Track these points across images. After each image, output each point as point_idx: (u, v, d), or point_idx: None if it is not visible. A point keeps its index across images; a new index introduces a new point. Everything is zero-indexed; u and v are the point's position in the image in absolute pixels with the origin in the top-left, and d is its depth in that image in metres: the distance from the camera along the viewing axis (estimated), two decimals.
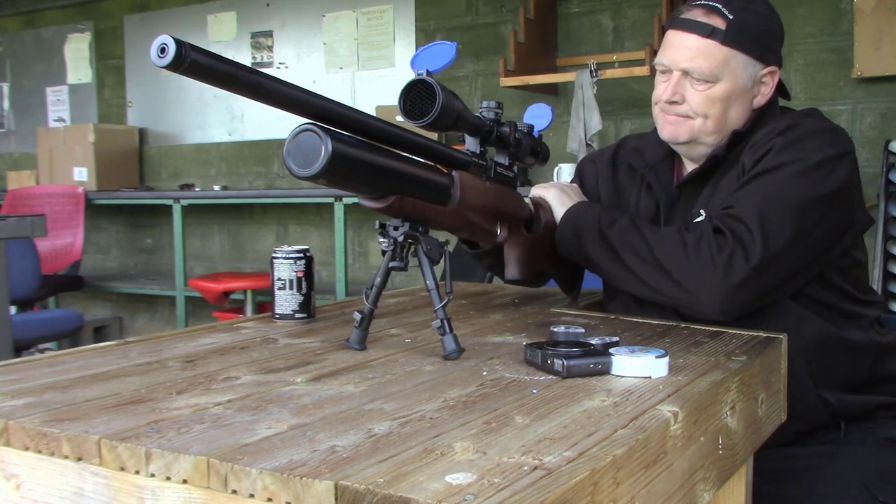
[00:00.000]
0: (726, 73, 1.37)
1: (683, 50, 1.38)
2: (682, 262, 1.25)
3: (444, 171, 1.13)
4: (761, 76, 1.41)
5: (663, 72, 1.44)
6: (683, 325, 1.28)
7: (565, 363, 0.95)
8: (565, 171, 3.54)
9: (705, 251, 1.23)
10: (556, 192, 1.47)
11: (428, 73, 1.06)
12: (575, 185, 1.60)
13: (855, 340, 1.38)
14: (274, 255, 1.34)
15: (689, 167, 1.49)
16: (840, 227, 1.33)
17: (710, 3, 1.38)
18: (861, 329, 1.40)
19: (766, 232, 1.22)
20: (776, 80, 1.43)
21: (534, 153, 1.33)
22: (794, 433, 1.36)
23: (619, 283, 1.36)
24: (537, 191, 1.49)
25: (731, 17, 1.36)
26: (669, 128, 1.44)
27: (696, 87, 1.39)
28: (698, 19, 1.38)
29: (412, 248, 1.10)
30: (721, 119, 1.40)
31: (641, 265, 1.30)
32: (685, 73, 1.39)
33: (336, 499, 0.61)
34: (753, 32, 1.38)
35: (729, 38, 1.36)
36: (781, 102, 1.50)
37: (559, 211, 1.44)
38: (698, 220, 1.39)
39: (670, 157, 1.52)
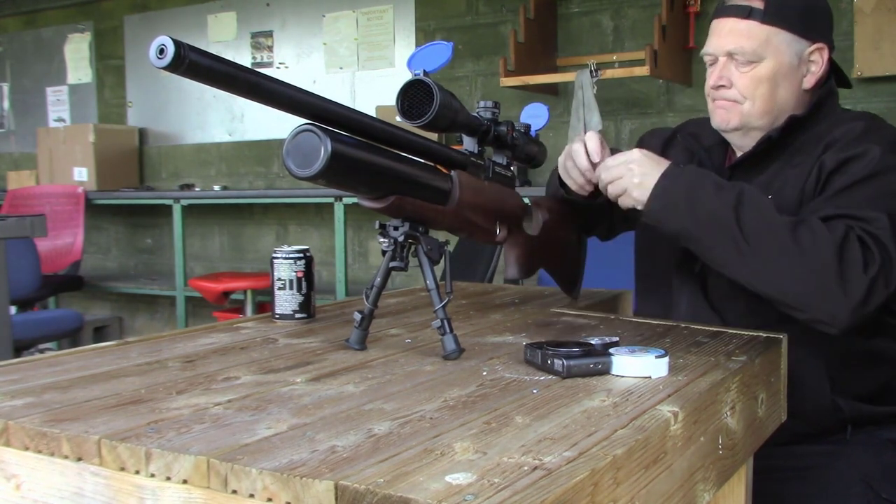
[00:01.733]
0: (769, 52, 1.36)
1: (725, 35, 1.39)
2: (824, 264, 1.18)
3: (443, 171, 1.13)
4: (808, 54, 1.39)
5: (711, 63, 1.43)
6: (683, 326, 1.28)
7: (565, 363, 0.95)
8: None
9: (854, 263, 1.18)
10: (640, 154, 1.31)
11: (425, 73, 1.06)
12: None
13: (879, 350, 1.37)
14: (274, 255, 1.34)
15: (741, 154, 1.47)
16: None
17: None
18: (887, 339, 1.39)
19: None
20: (825, 57, 1.40)
21: (532, 153, 1.33)
22: (800, 434, 1.36)
23: (727, 268, 1.25)
24: (619, 157, 1.32)
25: None
26: (720, 113, 1.43)
27: (741, 69, 1.38)
28: (737, 3, 1.38)
29: (412, 248, 1.10)
30: (770, 100, 1.38)
31: (769, 254, 1.20)
32: (730, 56, 1.38)
33: (336, 499, 0.61)
34: (794, 9, 1.37)
35: (768, 16, 1.35)
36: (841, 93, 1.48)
37: (652, 174, 1.27)
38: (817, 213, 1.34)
39: (725, 143, 1.51)
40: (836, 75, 1.45)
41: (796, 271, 1.19)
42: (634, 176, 1.27)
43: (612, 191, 1.31)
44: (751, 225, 1.21)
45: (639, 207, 1.29)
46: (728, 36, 1.38)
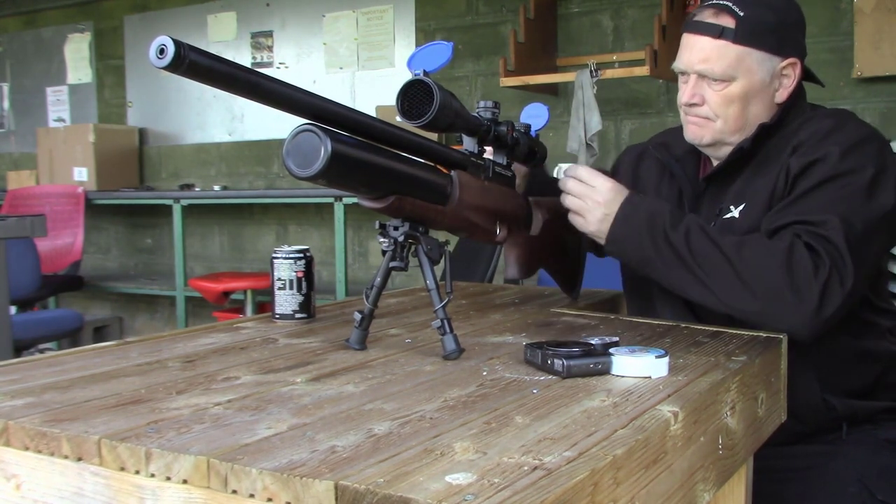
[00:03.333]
0: (741, 72, 1.35)
1: (696, 52, 1.37)
2: (771, 279, 1.19)
3: (443, 171, 1.13)
4: (781, 69, 1.38)
5: (682, 74, 1.43)
6: (683, 326, 1.28)
7: (565, 363, 0.95)
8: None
9: (802, 272, 1.18)
10: (605, 188, 1.32)
11: (425, 73, 1.06)
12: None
13: (868, 349, 1.38)
14: (274, 255, 1.34)
15: (716, 163, 1.47)
16: (893, 239, 1.35)
17: (721, 1, 1.36)
18: (876, 337, 1.39)
19: (855, 257, 1.20)
20: (798, 71, 1.40)
21: (531, 152, 1.33)
22: (795, 434, 1.36)
23: (686, 292, 1.27)
24: (569, 173, 1.35)
25: (741, 13, 1.34)
26: (693, 129, 1.43)
27: (713, 87, 1.37)
28: (708, 20, 1.36)
29: (412, 248, 1.10)
30: (741, 117, 1.38)
31: (719, 277, 1.21)
32: (701, 74, 1.38)
33: (336, 499, 0.61)
34: (767, 26, 1.35)
35: (740, 36, 1.34)
36: (814, 89, 1.48)
37: (608, 202, 1.29)
38: (728, 216, 1.37)
39: (696, 151, 1.51)
40: (806, 76, 1.44)
41: (749, 290, 1.20)
42: (595, 209, 1.30)
43: (570, 207, 1.33)
44: (700, 251, 1.23)
45: (599, 238, 1.31)
46: (699, 54, 1.36)
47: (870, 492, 1.30)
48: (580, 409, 0.83)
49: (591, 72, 3.63)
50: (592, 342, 1.02)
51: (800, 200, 1.27)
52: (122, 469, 0.71)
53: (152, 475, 0.70)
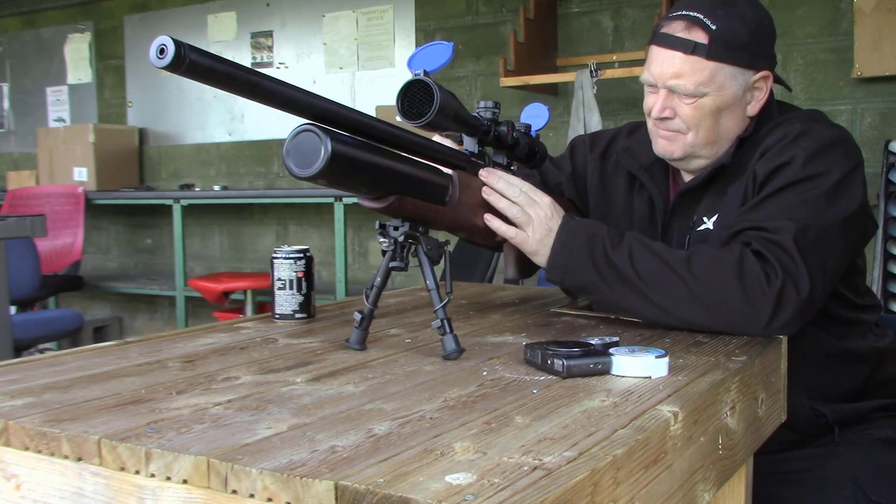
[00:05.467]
0: (713, 87, 1.31)
1: (668, 67, 1.32)
2: (724, 291, 1.16)
3: (444, 171, 1.13)
4: (753, 83, 1.35)
5: (650, 86, 1.38)
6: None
7: (565, 363, 0.95)
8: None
9: (754, 282, 1.16)
10: (545, 210, 1.26)
11: (425, 73, 1.06)
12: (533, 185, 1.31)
13: (854, 349, 1.37)
14: (274, 255, 1.34)
15: (687, 175, 1.45)
16: (862, 240, 1.33)
17: (692, 13, 1.31)
18: (860, 336, 1.39)
19: (810, 263, 1.17)
20: (770, 84, 1.37)
21: (531, 152, 1.33)
22: (787, 443, 1.35)
23: (636, 314, 1.24)
24: (504, 178, 1.25)
25: (713, 27, 1.29)
26: (663, 143, 1.39)
27: (684, 100, 1.33)
28: (679, 35, 1.31)
29: (412, 248, 1.10)
30: (713, 130, 1.35)
31: (669, 295, 1.18)
32: (671, 90, 1.34)
33: (336, 499, 0.61)
34: (740, 41, 1.30)
35: (713, 52, 1.29)
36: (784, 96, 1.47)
37: (549, 219, 1.24)
38: (702, 228, 1.36)
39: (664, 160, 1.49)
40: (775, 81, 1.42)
41: (701, 304, 1.17)
42: (539, 226, 1.24)
43: (511, 216, 1.25)
44: (646, 269, 1.19)
45: (534, 257, 1.26)
46: (670, 69, 1.32)
47: (864, 493, 1.30)
48: (580, 409, 0.83)
49: (591, 72, 3.63)
50: (592, 342, 1.02)
51: (760, 205, 1.26)
52: (122, 469, 0.71)
53: (152, 475, 0.70)
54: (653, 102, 1.37)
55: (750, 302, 1.15)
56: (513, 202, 1.24)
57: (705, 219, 1.37)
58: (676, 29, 1.32)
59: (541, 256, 1.25)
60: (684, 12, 1.33)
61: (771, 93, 1.40)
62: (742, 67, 1.32)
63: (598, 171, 1.55)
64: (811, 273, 1.17)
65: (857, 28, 3.32)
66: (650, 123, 1.40)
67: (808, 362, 1.32)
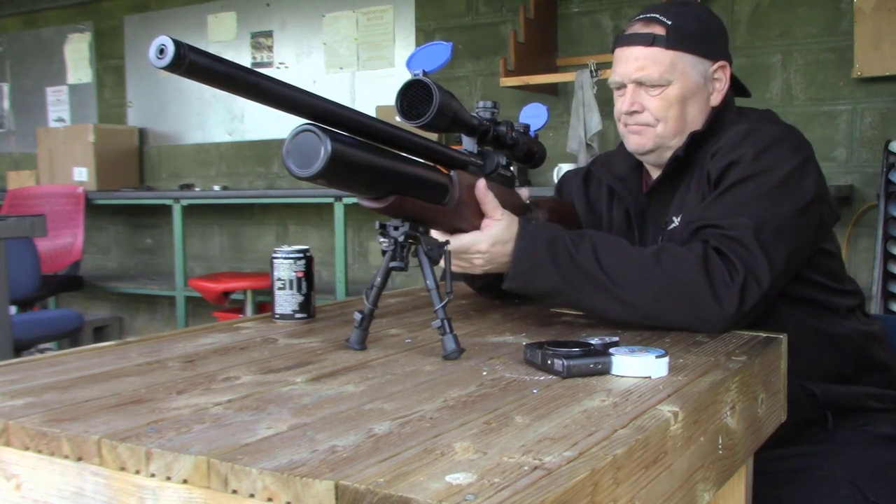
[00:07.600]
0: (676, 75, 1.41)
1: (632, 62, 1.43)
2: (691, 288, 1.19)
3: (443, 171, 1.13)
4: (712, 72, 1.44)
5: (618, 88, 1.48)
6: None
7: (565, 363, 0.95)
8: (565, 171, 3.55)
9: (720, 278, 1.19)
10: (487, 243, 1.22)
11: (425, 73, 1.06)
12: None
13: (834, 331, 1.40)
14: (274, 255, 1.34)
15: (656, 175, 1.51)
16: (820, 228, 1.37)
17: (648, 14, 1.43)
18: (840, 318, 1.42)
19: (769, 256, 1.22)
20: (728, 74, 1.47)
21: (531, 152, 1.34)
22: (785, 430, 1.35)
23: (604, 313, 1.23)
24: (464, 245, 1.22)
25: (669, 22, 1.41)
26: (634, 137, 1.47)
27: (650, 93, 1.43)
28: (639, 31, 1.42)
29: (412, 248, 1.10)
30: (681, 119, 1.43)
31: (641, 290, 1.20)
32: (638, 83, 1.43)
33: (336, 499, 0.61)
34: (694, 32, 1.42)
35: (671, 41, 1.40)
36: (743, 102, 1.53)
37: (503, 249, 1.22)
38: (672, 227, 1.41)
39: (638, 168, 1.56)
40: (735, 87, 1.50)
41: (671, 298, 1.19)
42: (479, 265, 1.23)
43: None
44: (614, 267, 1.20)
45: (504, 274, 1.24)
46: (634, 63, 1.42)
47: (862, 493, 1.30)
48: (580, 409, 0.83)
49: (591, 72, 3.63)
50: (592, 342, 1.02)
51: (714, 203, 1.30)
52: (123, 469, 0.71)
53: (152, 475, 0.70)
54: (622, 103, 1.46)
55: (717, 297, 1.19)
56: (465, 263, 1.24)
57: (675, 218, 1.43)
58: (636, 28, 1.44)
59: (503, 267, 1.24)
60: (641, 15, 1.46)
61: (731, 95, 1.49)
62: (700, 56, 1.43)
63: (583, 195, 1.64)
64: (770, 265, 1.22)
65: (857, 28, 3.32)
66: (621, 126, 1.49)
67: (791, 343, 1.33)
